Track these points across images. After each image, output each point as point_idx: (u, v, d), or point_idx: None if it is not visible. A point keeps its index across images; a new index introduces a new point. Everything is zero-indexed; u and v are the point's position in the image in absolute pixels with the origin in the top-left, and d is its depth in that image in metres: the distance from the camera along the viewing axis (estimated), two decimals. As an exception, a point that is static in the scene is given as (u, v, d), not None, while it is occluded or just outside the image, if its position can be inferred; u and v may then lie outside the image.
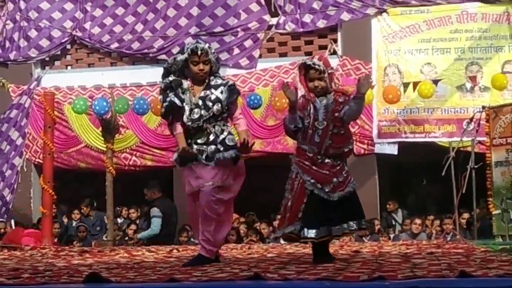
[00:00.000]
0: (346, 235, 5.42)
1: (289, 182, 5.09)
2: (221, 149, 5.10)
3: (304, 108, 5.12)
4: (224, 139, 5.15)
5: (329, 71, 5.12)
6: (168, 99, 5.14)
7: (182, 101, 5.12)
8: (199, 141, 5.13)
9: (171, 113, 5.15)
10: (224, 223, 5.25)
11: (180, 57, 5.18)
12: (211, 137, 5.13)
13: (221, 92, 5.17)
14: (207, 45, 5.24)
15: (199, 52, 5.13)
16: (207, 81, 5.22)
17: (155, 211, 9.94)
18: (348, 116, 5.03)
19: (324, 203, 4.91)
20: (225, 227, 5.29)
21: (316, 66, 5.04)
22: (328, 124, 5.02)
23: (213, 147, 5.10)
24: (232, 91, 5.22)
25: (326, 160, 5.00)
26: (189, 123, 5.13)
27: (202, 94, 5.16)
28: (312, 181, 4.94)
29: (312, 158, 5.01)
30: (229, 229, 5.61)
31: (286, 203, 5.05)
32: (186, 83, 5.19)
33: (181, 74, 5.23)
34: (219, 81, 5.24)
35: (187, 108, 5.13)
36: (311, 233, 4.86)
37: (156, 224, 9.90)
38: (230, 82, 5.31)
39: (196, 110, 5.12)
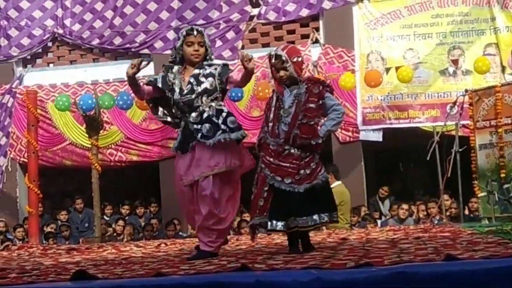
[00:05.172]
0: (318, 227, 5.43)
1: (255, 176, 5.05)
2: (226, 129, 4.97)
3: (269, 101, 5.10)
4: (225, 119, 5.01)
5: (294, 60, 4.97)
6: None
7: (171, 84, 5.06)
8: (192, 119, 5.00)
9: (150, 85, 5.13)
10: (228, 214, 5.07)
11: (178, 44, 5.15)
12: (205, 115, 4.99)
13: (215, 69, 5.11)
14: (202, 29, 5.22)
15: (194, 33, 5.10)
16: (200, 63, 5.14)
17: None
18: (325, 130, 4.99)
19: (288, 195, 4.85)
20: (229, 217, 5.11)
21: (278, 56, 4.96)
22: (298, 113, 4.93)
23: (207, 125, 4.96)
24: (226, 67, 5.15)
25: (294, 151, 4.91)
26: (181, 98, 5.03)
27: (195, 72, 5.09)
28: (272, 175, 4.90)
29: (276, 150, 4.94)
30: (232, 218, 5.27)
31: (252, 198, 5.04)
32: (176, 67, 5.14)
33: (182, 62, 5.17)
34: (214, 62, 5.21)
35: (177, 88, 5.05)
36: (279, 225, 4.84)
37: None
38: (225, 62, 5.28)
39: (188, 86, 5.04)
